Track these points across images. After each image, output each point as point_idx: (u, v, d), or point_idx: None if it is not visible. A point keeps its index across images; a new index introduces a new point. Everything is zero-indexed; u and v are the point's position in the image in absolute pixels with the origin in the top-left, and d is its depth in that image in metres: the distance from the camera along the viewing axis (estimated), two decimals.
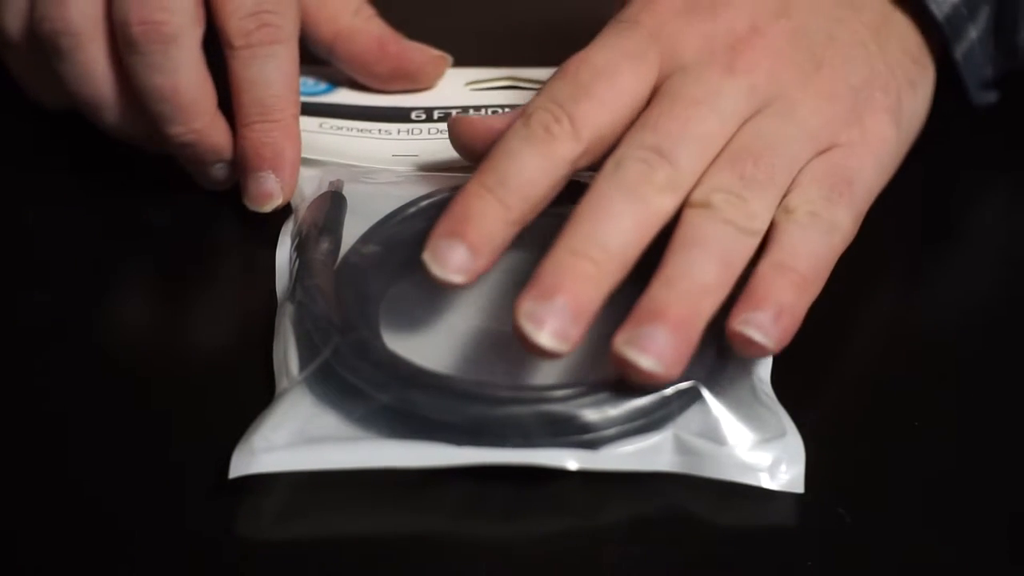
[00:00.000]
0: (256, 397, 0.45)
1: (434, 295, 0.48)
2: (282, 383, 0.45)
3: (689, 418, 0.44)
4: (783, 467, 0.44)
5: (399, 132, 0.55)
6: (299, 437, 0.43)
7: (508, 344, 0.46)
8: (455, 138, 0.50)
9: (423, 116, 0.56)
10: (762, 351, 0.44)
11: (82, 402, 0.46)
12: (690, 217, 0.45)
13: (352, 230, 0.49)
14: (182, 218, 0.54)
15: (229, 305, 0.50)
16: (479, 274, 0.44)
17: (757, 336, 0.44)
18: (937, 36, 0.53)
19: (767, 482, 0.44)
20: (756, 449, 0.44)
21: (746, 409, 0.44)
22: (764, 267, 0.45)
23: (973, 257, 0.51)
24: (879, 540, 0.43)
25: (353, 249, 0.48)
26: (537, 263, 0.45)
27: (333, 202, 0.50)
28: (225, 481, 0.43)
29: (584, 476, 0.43)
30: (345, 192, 0.51)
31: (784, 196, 0.47)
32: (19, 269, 0.52)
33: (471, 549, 0.43)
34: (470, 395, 0.44)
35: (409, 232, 0.49)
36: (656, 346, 0.43)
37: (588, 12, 0.54)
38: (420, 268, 0.44)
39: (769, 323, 0.44)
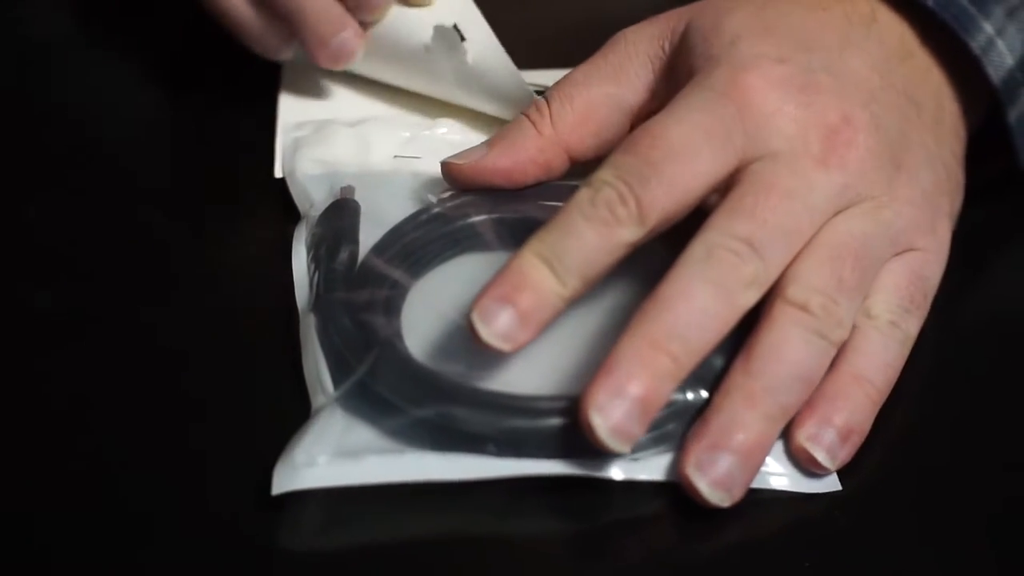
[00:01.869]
0: (286, 408, 0.45)
1: (453, 301, 0.48)
2: (318, 399, 0.45)
3: None
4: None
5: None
6: (340, 451, 0.43)
7: (531, 351, 0.46)
8: (449, 180, 0.50)
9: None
10: (822, 470, 0.45)
11: (106, 412, 0.46)
12: (784, 319, 0.44)
13: (364, 234, 0.49)
14: (194, 223, 0.54)
15: (250, 314, 0.50)
16: (523, 345, 0.44)
17: (823, 458, 0.44)
18: (976, 120, 0.52)
19: (806, 487, 0.44)
20: (788, 457, 0.45)
21: None
22: (843, 375, 0.45)
23: (977, 265, 0.52)
24: (874, 542, 0.44)
25: (371, 256, 0.48)
26: None
27: (347, 209, 0.50)
28: (260, 497, 0.43)
29: (608, 483, 0.44)
30: (356, 197, 0.51)
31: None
32: (40, 271, 0.51)
33: (509, 554, 0.43)
34: (508, 408, 0.44)
35: (424, 238, 0.49)
36: (724, 474, 0.43)
37: (589, 13, 0.55)
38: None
39: (837, 445, 0.44)
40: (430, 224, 0.49)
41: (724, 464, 0.43)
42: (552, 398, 0.44)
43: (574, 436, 0.43)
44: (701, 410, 0.44)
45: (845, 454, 0.45)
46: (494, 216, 0.50)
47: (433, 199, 0.50)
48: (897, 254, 0.48)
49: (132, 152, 0.56)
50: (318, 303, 0.47)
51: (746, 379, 0.44)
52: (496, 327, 0.43)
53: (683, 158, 0.45)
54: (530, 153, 0.48)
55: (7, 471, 0.44)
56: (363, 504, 0.43)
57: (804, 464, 0.45)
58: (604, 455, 0.44)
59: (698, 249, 0.44)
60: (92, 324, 0.49)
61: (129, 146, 0.57)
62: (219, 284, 0.51)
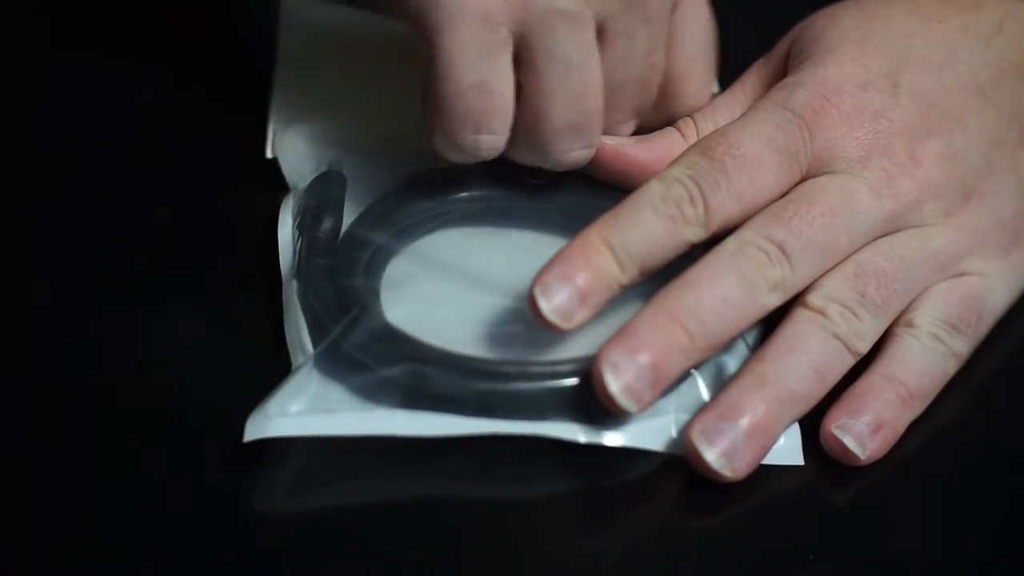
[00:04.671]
0: (267, 371, 0.46)
1: (432, 271, 0.49)
2: (298, 359, 0.46)
3: (690, 399, 0.46)
4: (780, 441, 0.45)
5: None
6: (313, 406, 0.45)
7: (507, 318, 0.48)
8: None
9: None
10: (852, 459, 0.45)
11: (95, 383, 0.47)
12: (801, 318, 0.46)
13: (350, 207, 0.50)
14: (181, 204, 0.55)
15: (235, 283, 0.51)
16: (579, 325, 0.45)
17: (852, 445, 0.45)
18: None
19: (767, 458, 0.45)
20: None
21: None
22: (875, 375, 0.46)
23: None
24: (879, 534, 0.44)
25: (354, 226, 0.50)
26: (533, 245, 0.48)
27: (333, 181, 0.51)
28: (240, 450, 0.44)
29: (589, 449, 0.45)
30: (344, 170, 0.52)
31: (908, 310, 0.47)
32: (28, 263, 0.52)
33: (482, 512, 0.44)
34: (479, 371, 0.45)
35: (407, 209, 0.50)
36: (729, 444, 0.44)
37: None
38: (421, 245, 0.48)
39: (867, 435, 0.45)
40: (413, 198, 0.51)
41: (729, 435, 0.44)
42: (518, 363, 0.45)
43: (539, 400, 0.45)
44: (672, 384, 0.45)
45: (875, 447, 0.45)
46: (475, 193, 0.51)
47: (416, 172, 0.51)
48: (946, 277, 0.48)
49: (129, 143, 0.58)
50: (300, 269, 0.48)
51: (759, 364, 0.45)
52: (555, 303, 0.45)
53: (753, 171, 0.47)
54: (671, 157, 0.49)
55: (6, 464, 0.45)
56: (337, 465, 0.45)
57: (836, 455, 0.45)
58: (568, 419, 0.45)
59: (731, 243, 0.46)
60: (93, 307, 0.50)
61: (126, 138, 0.58)
62: (208, 254, 0.52)
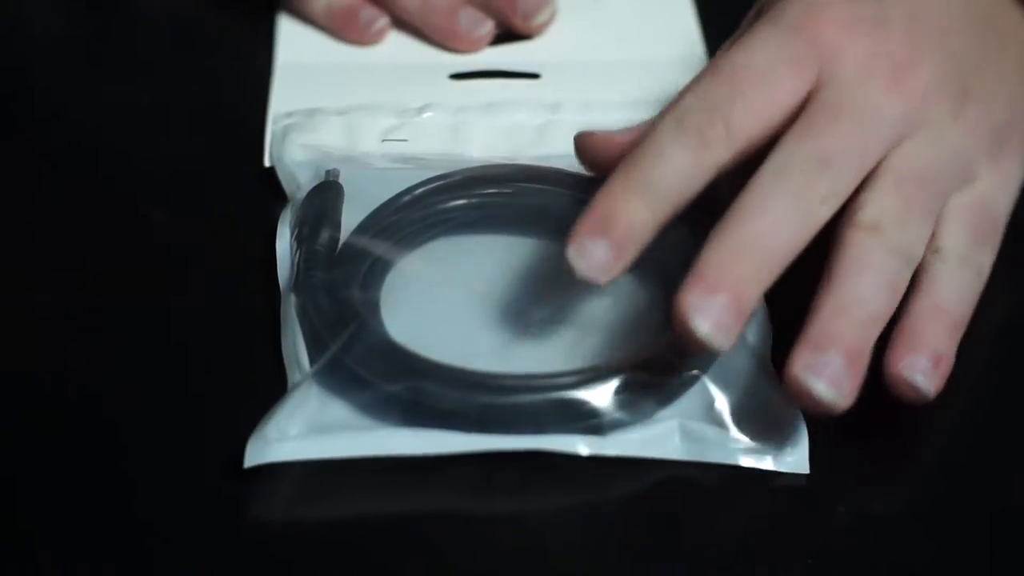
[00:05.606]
0: (265, 387, 0.46)
1: (432, 281, 0.49)
2: (295, 376, 0.46)
3: (695, 405, 0.45)
4: (787, 449, 0.45)
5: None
6: (312, 426, 0.44)
7: (508, 330, 0.47)
8: (581, 153, 0.49)
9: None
10: (921, 398, 0.45)
11: (88, 399, 0.47)
12: (859, 240, 0.45)
13: (348, 217, 0.50)
14: (178, 211, 0.54)
15: (232, 295, 0.51)
16: (618, 275, 0.44)
17: (921, 382, 0.45)
18: None
19: (772, 465, 0.45)
20: (760, 433, 0.45)
21: (749, 395, 0.46)
22: (920, 309, 0.46)
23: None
24: (878, 538, 0.44)
25: (352, 237, 0.49)
26: (536, 251, 0.49)
27: (331, 191, 0.51)
28: (239, 470, 0.43)
29: (592, 459, 0.44)
30: (341, 180, 0.51)
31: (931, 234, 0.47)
32: (21, 267, 0.52)
33: (481, 526, 0.44)
34: (479, 384, 0.45)
35: (406, 219, 0.50)
36: (834, 374, 0.43)
37: None
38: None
39: (931, 370, 0.45)
40: (412, 206, 0.50)
41: (832, 364, 0.43)
42: (521, 375, 0.45)
43: (541, 413, 0.44)
44: (675, 393, 0.46)
45: (939, 378, 0.45)
46: (474, 200, 0.51)
47: (416, 181, 0.51)
48: (962, 185, 0.48)
49: (126, 146, 0.57)
50: (298, 282, 0.48)
51: (832, 293, 0.44)
52: (593, 261, 0.44)
53: (766, 83, 0.46)
54: None
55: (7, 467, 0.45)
56: (336, 479, 0.44)
57: (905, 395, 0.45)
58: (571, 431, 0.44)
59: (770, 169, 0.45)
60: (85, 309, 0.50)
61: (123, 140, 0.58)
62: (206, 266, 0.52)
